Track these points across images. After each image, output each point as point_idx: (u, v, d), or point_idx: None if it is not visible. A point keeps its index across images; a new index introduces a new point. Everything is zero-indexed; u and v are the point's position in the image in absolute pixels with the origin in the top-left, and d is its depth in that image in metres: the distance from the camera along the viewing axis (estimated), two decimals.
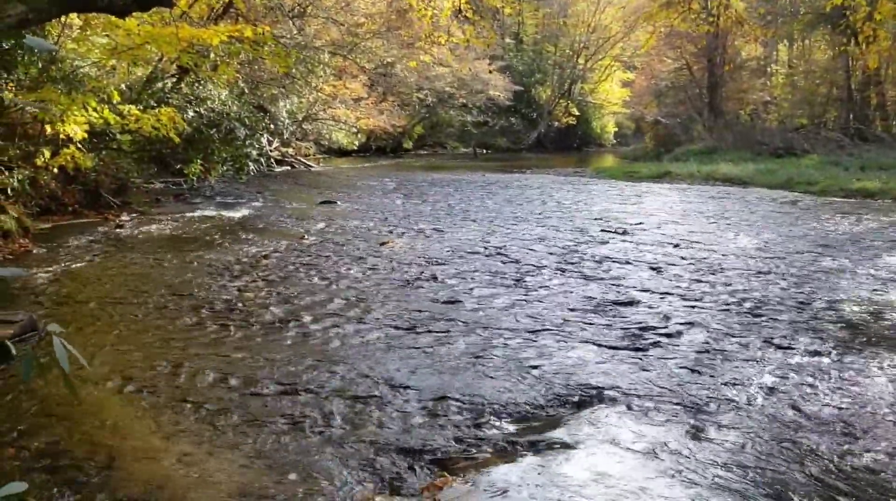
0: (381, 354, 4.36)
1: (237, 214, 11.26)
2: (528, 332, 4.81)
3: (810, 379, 3.89)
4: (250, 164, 14.88)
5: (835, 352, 4.37)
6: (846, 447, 3.08)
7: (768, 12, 29.33)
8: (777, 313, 5.28)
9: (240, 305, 5.53)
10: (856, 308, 5.42)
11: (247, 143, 14.21)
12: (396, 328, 4.90)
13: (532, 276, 6.61)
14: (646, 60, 37.61)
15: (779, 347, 4.49)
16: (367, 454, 3.05)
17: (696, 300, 5.66)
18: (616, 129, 46.08)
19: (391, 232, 9.34)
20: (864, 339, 4.66)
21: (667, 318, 5.13)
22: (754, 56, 33.87)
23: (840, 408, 3.50)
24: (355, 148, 28.06)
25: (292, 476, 2.85)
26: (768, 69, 35.18)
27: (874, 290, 6.04)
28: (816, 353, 4.34)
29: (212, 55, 12.04)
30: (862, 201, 14.06)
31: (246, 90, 16.37)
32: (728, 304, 5.55)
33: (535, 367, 4.10)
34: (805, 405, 3.53)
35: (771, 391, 3.73)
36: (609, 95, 42.57)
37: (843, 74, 27.04)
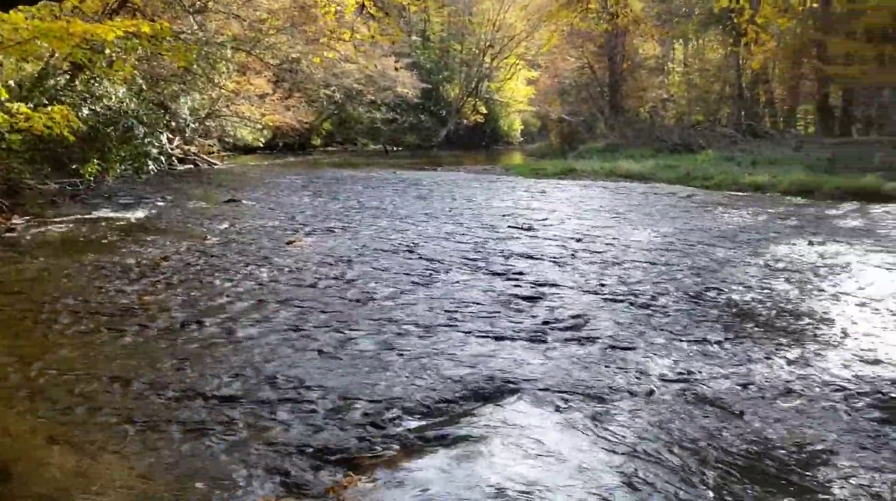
0: (286, 355, 4.30)
1: (137, 214, 10.88)
2: (436, 328, 4.84)
3: (703, 365, 4.07)
4: (150, 163, 14.38)
5: (726, 339, 4.58)
6: (737, 427, 3.24)
7: (664, 12, 30.41)
8: (674, 302, 5.50)
9: (139, 309, 5.35)
10: (746, 297, 5.69)
11: (146, 141, 13.74)
12: (302, 328, 4.85)
13: (441, 272, 6.65)
14: (549, 59, 38.31)
15: (675, 335, 4.67)
16: (272, 457, 3.01)
17: (597, 293, 5.82)
18: (523, 126, 46.82)
19: (298, 231, 9.22)
20: (753, 325, 4.91)
21: (570, 311, 5.26)
22: (652, 55, 35.01)
23: (730, 391, 3.67)
24: (261, 145, 27.54)
25: (196, 484, 2.79)
26: (665, 68, 36.45)
27: (762, 278, 6.37)
28: (709, 340, 4.54)
29: (107, 51, 11.56)
30: (753, 194, 14.77)
31: (144, 87, 15.80)
32: (628, 295, 5.74)
33: (442, 362, 4.13)
34: (697, 390, 3.69)
35: (667, 377, 3.88)
36: (515, 94, 43.19)
37: (734, 73, 28.32)
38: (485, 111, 40.02)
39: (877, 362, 4.14)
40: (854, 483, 2.76)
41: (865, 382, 3.82)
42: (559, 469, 2.86)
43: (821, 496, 2.67)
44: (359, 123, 35.69)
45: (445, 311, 5.28)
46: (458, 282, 6.26)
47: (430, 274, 6.57)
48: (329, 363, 4.15)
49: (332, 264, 7.02)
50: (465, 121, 39.25)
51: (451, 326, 4.90)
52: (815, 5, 21.25)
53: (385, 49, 27.39)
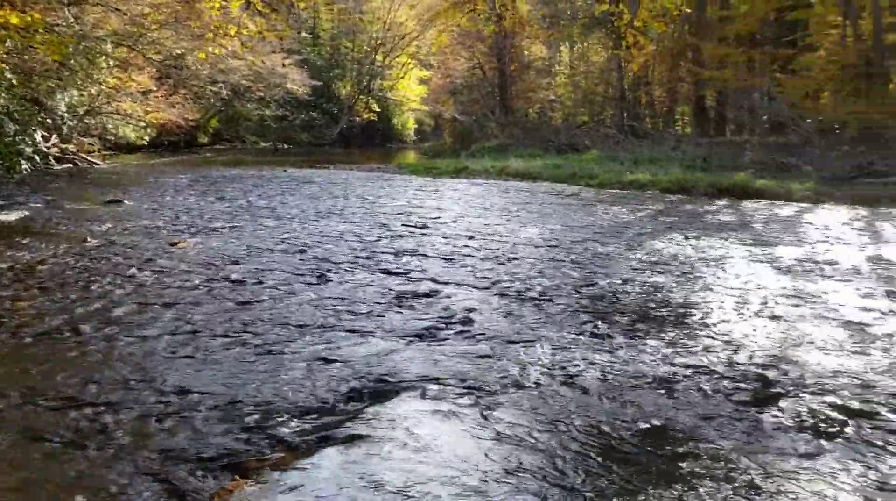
0: (169, 361, 4.18)
1: (10, 217, 10.26)
2: (326, 328, 4.82)
3: (586, 355, 4.22)
4: (23, 162, 13.61)
5: (608, 329, 4.77)
6: (614, 413, 3.38)
7: (550, 15, 31.23)
8: (560, 296, 5.67)
9: (12, 315, 5.07)
10: (627, 289, 5.94)
11: (17, 139, 12.99)
12: (187, 332, 4.72)
13: (332, 272, 6.61)
14: (441, 59, 38.64)
15: (560, 327, 4.83)
16: (155, 465, 2.92)
17: (489, 289, 5.94)
18: (416, 125, 47.00)
19: (184, 231, 8.94)
20: (633, 316, 5.13)
21: (462, 306, 5.35)
22: (540, 57, 35.87)
23: (609, 378, 3.83)
24: (145, 143, 26.52)
25: (76, 497, 2.67)
26: (553, 70, 37.42)
27: (643, 272, 6.66)
28: (592, 331, 4.72)
29: None
30: (635, 191, 15.38)
31: (15, 82, 14.92)
32: (517, 291, 5.88)
33: (332, 362, 4.12)
34: (580, 378, 3.83)
35: (554, 369, 4.00)
36: (408, 92, 43.33)
37: (617, 75, 29.37)
38: (378, 110, 39.94)
39: (742, 347, 4.41)
40: (717, 460, 2.94)
41: (731, 366, 4.07)
42: (447, 463, 2.91)
43: (687, 474, 2.83)
44: (248, 120, 34.92)
45: (336, 311, 5.26)
46: (349, 281, 6.24)
47: (321, 274, 6.52)
48: (214, 367, 4.06)
49: (218, 266, 6.86)
50: (357, 119, 39.06)
51: (341, 325, 4.88)
52: (688, 11, 22.40)
53: (274, 45, 26.91)
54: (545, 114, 34.32)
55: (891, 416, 3.37)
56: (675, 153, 19.97)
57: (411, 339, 4.58)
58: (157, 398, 3.59)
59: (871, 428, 3.24)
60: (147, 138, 26.21)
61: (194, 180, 16.49)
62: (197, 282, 6.16)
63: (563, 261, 7.18)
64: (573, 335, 4.65)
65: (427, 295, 5.72)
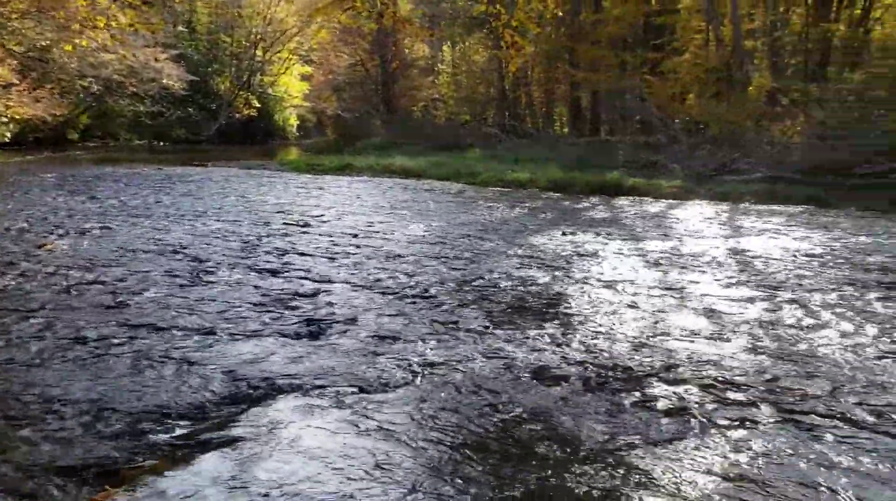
0: (34, 370, 3.96)
1: None
2: (203, 331, 4.70)
3: (466, 351, 4.31)
4: None
5: (489, 324, 4.88)
6: (494, 406, 3.48)
7: (431, 14, 31.47)
8: (443, 293, 5.76)
9: None
10: (508, 284, 6.10)
11: None
12: (53, 338, 4.49)
13: (210, 273, 6.44)
14: (323, 55, 38.23)
15: (443, 323, 4.90)
16: (17, 479, 2.77)
17: (372, 287, 5.95)
18: (298, 122, 46.29)
19: (51, 233, 8.47)
20: (513, 311, 5.28)
21: (345, 305, 5.34)
22: (422, 56, 36.08)
23: (490, 373, 3.93)
24: (7, 140, 24.87)
25: None
26: (436, 68, 37.72)
27: (523, 268, 6.86)
28: (473, 327, 4.82)
29: None
30: (516, 190, 15.75)
31: None
32: (401, 288, 5.92)
33: (208, 366, 4.02)
34: (461, 375, 3.91)
35: (434, 365, 4.07)
36: (290, 88, 42.60)
37: (497, 75, 29.94)
38: (258, 105, 39.03)
39: (613, 336, 4.63)
40: (584, 443, 3.08)
41: (602, 355, 4.26)
42: (325, 461, 2.91)
43: (555, 458, 2.95)
44: (121, 116, 33.35)
45: (213, 313, 5.13)
46: (228, 282, 6.10)
47: (199, 275, 6.34)
48: (84, 373, 3.89)
49: (88, 268, 6.54)
50: (237, 115, 38.03)
51: (220, 327, 4.78)
52: (560, 14, 23.14)
53: (147, 39, 25.82)
54: (429, 112, 34.58)
55: (744, 398, 3.62)
56: (554, 153, 20.57)
57: (291, 339, 4.54)
58: (20, 410, 3.41)
59: (726, 410, 3.47)
60: (9, 135, 24.60)
61: (62, 179, 15.61)
62: (65, 285, 5.86)
63: (446, 258, 7.29)
64: (454, 331, 4.74)
65: (308, 295, 5.67)
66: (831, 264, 7.23)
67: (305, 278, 6.23)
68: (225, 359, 4.13)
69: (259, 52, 39.19)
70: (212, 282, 6.08)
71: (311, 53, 41.56)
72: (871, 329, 4.81)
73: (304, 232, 8.84)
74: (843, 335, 4.70)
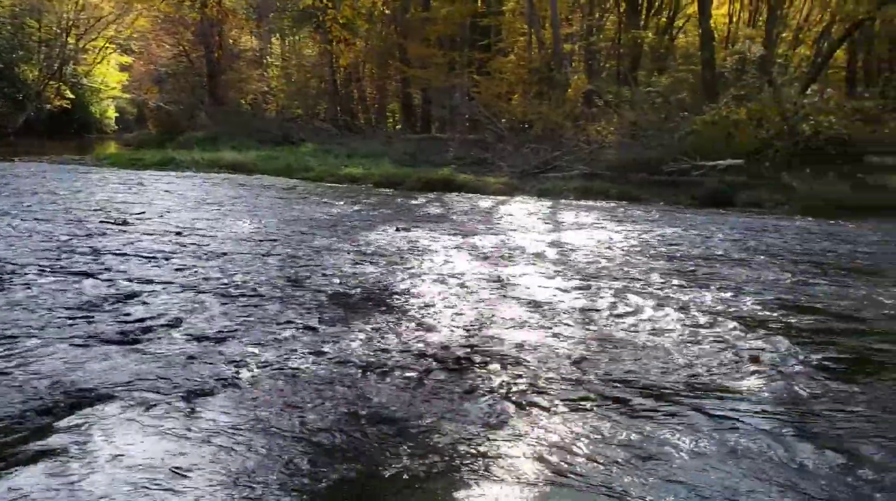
0: None
1: None
2: (10, 338, 4.34)
3: (299, 349, 4.27)
4: None
5: (323, 321, 4.85)
6: (332, 404, 3.47)
7: (258, 5, 30.67)
8: (274, 291, 5.66)
9: None
10: (341, 281, 6.09)
11: None
12: None
13: (17, 276, 5.94)
14: (143, 45, 36.25)
15: (275, 323, 4.81)
16: None
17: (197, 287, 5.73)
18: (118, 114, 43.57)
19: None
20: (346, 307, 5.28)
21: (167, 307, 5.11)
22: (250, 48, 35.09)
23: (323, 372, 3.92)
24: None
25: None
26: (265, 61, 36.80)
27: (357, 263, 6.87)
28: (306, 325, 4.77)
29: None
30: (350, 185, 15.74)
31: None
32: (229, 288, 5.75)
33: (19, 375, 3.72)
34: (293, 374, 3.87)
35: (265, 365, 3.99)
36: (107, 79, 40.01)
37: (329, 70, 29.70)
38: (72, 96, 36.32)
39: (444, 328, 4.75)
40: (421, 432, 3.16)
41: (434, 346, 4.37)
42: (148, 469, 2.79)
43: (392, 448, 3.01)
44: None
45: (21, 319, 4.75)
46: (35, 286, 5.66)
47: (3, 279, 5.84)
48: None
49: None
50: (48, 106, 35.20)
51: (30, 335, 4.43)
52: (388, 12, 23.37)
53: None
54: (259, 105, 33.69)
55: (564, 381, 3.84)
56: (387, 148, 20.73)
57: (108, 345, 4.29)
58: None
59: (548, 392, 3.68)
60: None
61: None
62: None
63: (277, 255, 7.16)
64: (286, 330, 4.68)
65: (128, 298, 5.37)
66: (641, 254, 7.81)
67: (124, 280, 5.89)
68: (36, 368, 3.84)
69: (71, 40, 36.43)
70: (17, 286, 5.62)
71: (131, 42, 39.21)
72: (675, 314, 5.24)
73: (124, 231, 8.36)
74: (651, 320, 5.09)
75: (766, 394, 3.70)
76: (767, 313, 5.34)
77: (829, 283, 6.48)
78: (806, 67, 23.44)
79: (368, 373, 3.90)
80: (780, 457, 2.99)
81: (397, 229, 9.17)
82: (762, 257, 7.80)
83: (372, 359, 4.12)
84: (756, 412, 3.45)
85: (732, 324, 4.97)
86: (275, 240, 8.04)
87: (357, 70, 29.90)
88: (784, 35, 25.21)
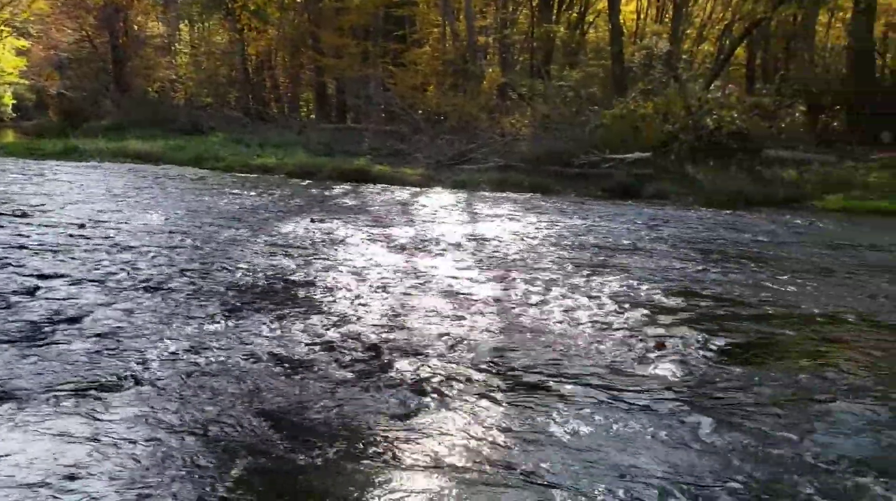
0: None
1: None
2: None
3: (209, 343, 4.18)
4: None
5: (234, 314, 4.77)
6: (243, 398, 3.42)
7: None
8: (183, 284, 5.51)
9: None
10: (253, 273, 5.99)
11: None
12: None
13: None
14: (42, 29, 34.57)
15: (183, 316, 4.70)
16: None
17: (101, 281, 5.53)
18: (15, 101, 41.37)
19: None
20: (259, 300, 5.20)
21: (69, 303, 4.91)
22: (158, 34, 33.94)
23: (234, 366, 3.85)
24: None
25: None
26: (173, 48, 35.67)
27: (269, 256, 6.77)
28: (216, 318, 4.68)
29: None
30: (262, 176, 15.47)
31: None
32: (135, 281, 5.57)
33: None
34: (203, 369, 3.78)
35: (173, 360, 3.89)
36: (3, 64, 37.92)
37: (239, 58, 29.03)
38: None
39: (360, 320, 4.74)
40: (336, 425, 3.16)
41: (349, 339, 4.36)
42: (44, 474, 2.70)
43: (305, 442, 2.99)
44: None
45: None
46: None
47: None
48: None
49: None
50: None
51: None
52: (299, 0, 23.05)
53: None
54: (167, 93, 32.62)
55: (480, 370, 3.90)
56: (301, 138, 20.46)
57: (8, 343, 4.10)
58: None
59: (465, 381, 3.73)
60: None
61: None
62: None
63: (186, 248, 6.98)
64: (196, 324, 4.57)
65: (27, 293, 5.14)
66: (553, 245, 7.99)
67: (23, 275, 5.63)
68: None
69: None
70: None
71: (28, 26, 37.28)
72: (586, 302, 5.39)
73: (22, 223, 7.98)
74: (565, 308, 5.22)
75: (672, 378, 3.85)
76: (672, 300, 5.56)
77: (729, 271, 6.79)
78: (709, 64, 24.38)
79: (279, 366, 3.86)
80: (688, 438, 3.13)
81: (312, 221, 9.07)
82: (667, 247, 8.09)
83: (283, 352, 4.08)
84: (663, 396, 3.60)
85: (639, 312, 5.15)
86: (183, 232, 7.84)
87: (269, 58, 29.32)
88: (689, 32, 26.12)
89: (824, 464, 2.90)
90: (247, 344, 4.20)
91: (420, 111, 21.48)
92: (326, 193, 12.86)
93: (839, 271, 6.95)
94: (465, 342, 4.37)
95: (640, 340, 4.49)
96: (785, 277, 6.57)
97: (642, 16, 29.32)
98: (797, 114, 20.69)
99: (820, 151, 17.08)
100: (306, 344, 4.24)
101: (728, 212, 11.79)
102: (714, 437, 3.13)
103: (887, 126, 20.09)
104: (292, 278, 5.93)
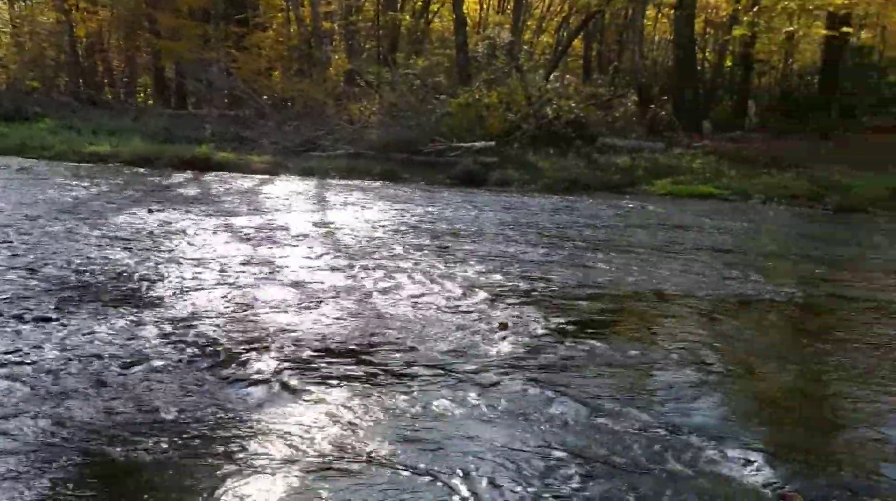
0: None
1: None
2: None
3: (36, 344, 3.93)
4: None
5: (65, 313, 4.50)
6: (74, 404, 3.27)
7: None
8: (5, 284, 5.15)
9: None
10: (84, 269, 5.67)
11: None
12: None
13: None
14: None
15: (13, 317, 4.40)
16: None
17: None
18: None
19: None
20: (96, 297, 4.93)
21: None
22: None
23: (65, 367, 3.66)
24: None
25: None
26: None
27: (104, 249, 6.43)
28: (47, 317, 4.40)
29: None
30: (96, 164, 14.61)
31: None
32: None
33: None
34: (31, 371, 3.57)
35: (3, 364, 3.66)
36: None
37: (68, 39, 27.15)
38: None
39: (205, 314, 4.62)
40: (182, 423, 3.09)
41: (193, 334, 4.24)
42: None
43: (153, 444, 2.91)
44: None
45: None
46: None
47: None
48: None
49: None
50: None
51: None
52: None
53: None
54: None
55: (333, 364, 3.92)
56: (138, 124, 19.46)
57: None
58: None
59: (319, 374, 3.73)
60: None
61: None
62: None
63: (10, 243, 6.50)
64: (20, 324, 4.29)
65: None
66: (402, 232, 8.10)
67: None
68: None
69: None
70: None
71: None
72: (434, 287, 5.53)
73: None
74: (413, 294, 5.33)
75: (515, 356, 4.05)
76: (515, 282, 5.81)
77: (567, 253, 7.17)
78: (549, 55, 25.39)
79: (117, 366, 3.69)
80: (532, 411, 3.30)
81: (150, 211, 8.68)
82: (511, 232, 8.42)
83: (121, 351, 3.90)
84: (508, 373, 3.77)
85: (484, 294, 5.35)
86: (5, 226, 7.28)
87: (101, 40, 27.55)
88: (529, 23, 27.06)
89: (658, 429, 3.16)
90: (83, 344, 4.00)
91: (265, 97, 20.96)
92: (166, 182, 12.33)
93: (666, 251, 7.52)
94: (315, 332, 4.37)
95: (485, 321, 4.68)
96: (618, 257, 7.03)
97: (485, 6, 30.03)
98: (630, 104, 21.98)
99: (650, 140, 18.27)
100: (147, 341, 4.08)
101: (567, 197, 12.39)
102: (557, 408, 3.33)
103: (707, 116, 21.80)
104: (131, 272, 5.67)
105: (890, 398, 3.65)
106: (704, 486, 2.68)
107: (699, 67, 24.30)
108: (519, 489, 2.61)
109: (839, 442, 3.18)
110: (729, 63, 27.35)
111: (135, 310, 4.66)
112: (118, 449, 2.84)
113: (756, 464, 2.84)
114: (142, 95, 30.42)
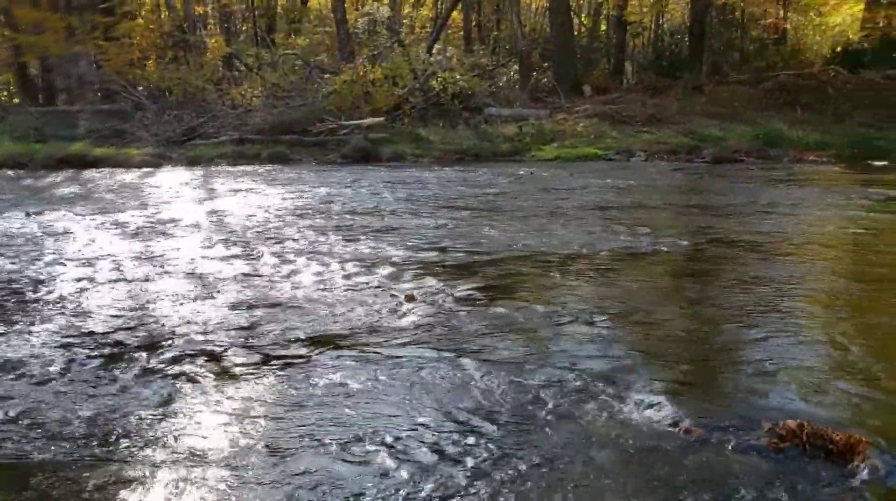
0: None
1: None
2: None
3: None
4: None
5: None
6: None
7: None
8: None
9: None
10: None
11: None
12: None
13: None
14: None
15: None
16: None
17: None
18: None
19: None
20: None
21: None
22: None
23: None
24: None
25: None
26: None
27: None
28: None
29: None
30: None
31: None
32: None
33: None
34: None
35: None
36: None
37: None
38: None
39: (97, 314, 4.44)
40: (78, 428, 2.98)
41: (87, 335, 4.07)
42: None
43: (54, 453, 2.80)
44: None
45: None
46: None
47: None
48: None
49: None
50: None
51: None
52: None
53: None
54: None
55: (239, 354, 3.85)
56: (5, 124, 18.31)
57: None
58: None
59: (224, 364, 3.66)
60: None
61: None
62: None
63: None
64: None
65: None
66: (297, 214, 8.00)
67: None
68: None
69: None
70: None
71: None
72: (335, 266, 5.51)
73: None
74: (314, 275, 5.29)
75: (424, 326, 4.09)
76: (417, 255, 5.85)
77: (465, 222, 7.27)
78: (430, 28, 25.38)
79: (8, 373, 3.52)
80: (445, 378, 3.35)
81: (28, 215, 8.22)
82: (408, 205, 8.45)
83: (12, 356, 3.72)
84: (420, 344, 3.81)
85: (387, 269, 5.37)
86: None
87: None
88: None
89: (566, 383, 3.27)
90: None
91: (141, 87, 20.08)
92: (42, 183, 11.68)
93: (558, 213, 7.74)
94: (215, 322, 4.28)
95: (391, 296, 4.70)
96: (514, 222, 7.18)
97: None
98: (512, 73, 22.31)
99: (534, 107, 18.63)
100: (39, 346, 3.90)
101: (459, 168, 12.51)
102: (466, 373, 3.40)
103: (587, 80, 22.38)
104: (13, 278, 5.38)
105: (772, 328, 3.92)
106: (611, 429, 2.81)
107: (576, 32, 24.87)
108: (432, 455, 2.66)
109: (731, 375, 3.39)
110: (604, 27, 28.14)
111: (23, 317, 4.43)
112: (6, 454, 2.71)
113: (658, 405, 3.00)
114: (5, 93, 28.55)
